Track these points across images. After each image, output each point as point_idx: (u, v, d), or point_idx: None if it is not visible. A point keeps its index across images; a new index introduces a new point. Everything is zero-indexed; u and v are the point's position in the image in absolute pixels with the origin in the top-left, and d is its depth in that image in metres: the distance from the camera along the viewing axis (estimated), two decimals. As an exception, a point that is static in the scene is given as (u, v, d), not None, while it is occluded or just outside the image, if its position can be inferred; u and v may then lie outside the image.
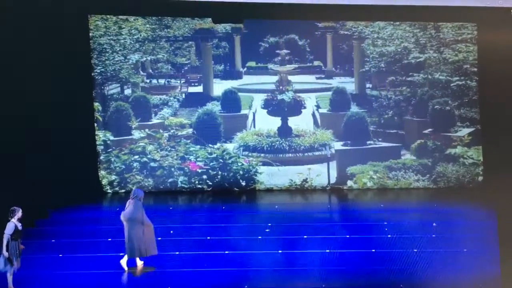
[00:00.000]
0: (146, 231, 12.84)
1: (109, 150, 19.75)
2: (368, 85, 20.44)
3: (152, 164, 19.75)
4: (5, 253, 11.54)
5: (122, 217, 12.93)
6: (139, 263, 13.15)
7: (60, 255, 13.64)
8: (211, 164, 19.81)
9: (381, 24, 20.07)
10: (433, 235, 14.94)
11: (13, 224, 11.68)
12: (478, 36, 19.84)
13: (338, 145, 20.22)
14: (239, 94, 20.37)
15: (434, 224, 15.81)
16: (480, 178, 19.99)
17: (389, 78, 20.31)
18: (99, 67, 19.61)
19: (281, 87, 20.40)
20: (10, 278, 11.80)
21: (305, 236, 15.00)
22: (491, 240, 14.33)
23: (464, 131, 20.22)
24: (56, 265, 13.13)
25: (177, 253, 13.94)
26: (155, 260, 13.36)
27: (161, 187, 19.67)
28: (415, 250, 13.98)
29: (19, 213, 11.81)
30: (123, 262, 13.02)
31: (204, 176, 19.79)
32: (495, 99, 19.10)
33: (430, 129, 20.31)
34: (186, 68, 20.39)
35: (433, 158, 20.10)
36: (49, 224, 16.14)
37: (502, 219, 15.17)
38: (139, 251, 12.85)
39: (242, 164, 19.95)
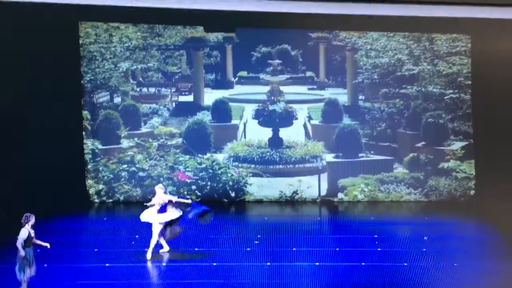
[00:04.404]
0: None
1: (97, 159, 19.50)
2: (361, 97, 20.31)
3: (140, 173, 19.53)
4: (22, 252, 11.24)
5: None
6: (166, 247, 14.23)
7: (45, 265, 13.35)
8: (200, 174, 19.61)
9: (375, 35, 19.95)
10: (424, 249, 14.77)
11: (26, 230, 11.46)
12: (472, 48, 19.73)
13: (329, 157, 20.04)
14: (230, 104, 20.19)
15: (425, 237, 15.64)
16: (472, 192, 19.83)
17: (382, 90, 20.17)
18: (88, 75, 19.40)
19: (272, 98, 20.24)
20: (24, 286, 11.54)
21: (294, 249, 14.80)
22: (482, 254, 14.21)
23: (457, 145, 20.06)
24: (42, 275, 12.84)
25: (164, 264, 13.72)
26: (142, 270, 13.22)
27: (150, 197, 19.31)
28: (405, 264, 13.79)
29: (32, 220, 11.56)
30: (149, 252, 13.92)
31: (193, 187, 19.57)
32: (488, 113, 19.05)
33: (423, 143, 20.16)
34: (176, 77, 20.22)
35: (425, 172, 19.92)
36: (35, 233, 15.75)
37: (496, 233, 15.08)
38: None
39: (232, 175, 19.74)
